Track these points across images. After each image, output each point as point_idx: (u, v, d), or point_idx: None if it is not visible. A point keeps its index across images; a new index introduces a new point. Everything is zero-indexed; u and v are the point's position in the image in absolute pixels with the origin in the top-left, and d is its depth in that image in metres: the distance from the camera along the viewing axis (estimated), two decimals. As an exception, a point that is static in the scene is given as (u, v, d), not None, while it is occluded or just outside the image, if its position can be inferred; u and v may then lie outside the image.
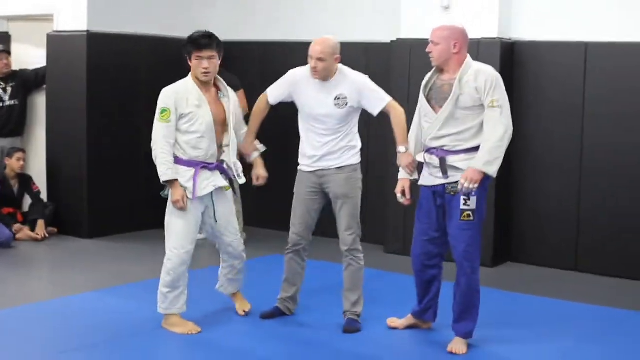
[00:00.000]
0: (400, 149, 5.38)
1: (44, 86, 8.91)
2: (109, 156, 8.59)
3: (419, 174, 5.38)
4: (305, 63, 5.67)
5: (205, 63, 5.37)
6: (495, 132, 5.00)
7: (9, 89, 8.89)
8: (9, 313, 5.94)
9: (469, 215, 5.10)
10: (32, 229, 8.33)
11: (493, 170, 5.02)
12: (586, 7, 7.38)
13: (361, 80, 5.56)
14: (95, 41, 8.38)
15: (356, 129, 5.65)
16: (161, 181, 5.50)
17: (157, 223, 8.92)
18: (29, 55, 9.19)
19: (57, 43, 8.58)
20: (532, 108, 7.57)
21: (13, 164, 8.47)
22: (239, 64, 8.60)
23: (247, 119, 5.96)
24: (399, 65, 7.79)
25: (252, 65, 8.96)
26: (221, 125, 5.53)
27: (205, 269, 6.90)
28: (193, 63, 5.41)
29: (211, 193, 5.49)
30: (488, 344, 5.35)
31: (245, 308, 5.95)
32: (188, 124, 5.41)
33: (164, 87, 5.05)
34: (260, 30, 9.07)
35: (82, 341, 5.36)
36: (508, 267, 7.67)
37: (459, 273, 5.18)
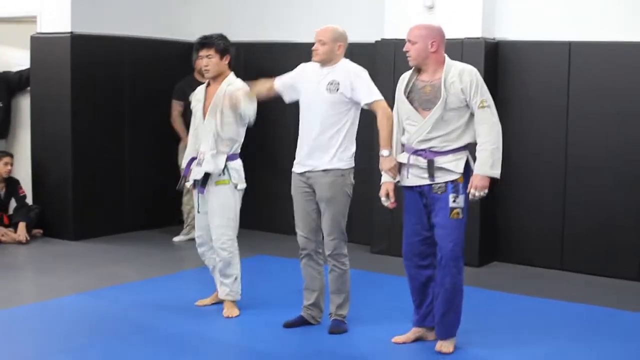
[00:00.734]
0: (384, 152, 5.32)
1: (28, 88, 8.87)
2: (94, 158, 8.56)
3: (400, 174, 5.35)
4: (292, 63, 5.69)
5: (204, 61, 5.93)
6: (491, 134, 5.01)
7: None
8: (-6, 317, 5.92)
9: (458, 213, 5.07)
10: (16, 232, 8.30)
11: (498, 173, 5.04)
12: (569, 6, 7.42)
13: (357, 70, 5.52)
14: (79, 43, 8.35)
15: (351, 130, 5.55)
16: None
17: (142, 224, 8.98)
18: (12, 57, 9.15)
19: (40, 45, 8.55)
20: (516, 107, 7.59)
21: (0, 168, 8.43)
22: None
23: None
24: (383, 65, 7.79)
25: (237, 66, 8.89)
26: None
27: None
28: (197, 63, 6.09)
29: (207, 186, 5.84)
30: (474, 345, 5.35)
31: (231, 314, 5.94)
32: (194, 118, 6.03)
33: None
34: (243, 32, 9.05)
35: (67, 344, 5.34)
36: (494, 266, 7.69)
37: (444, 273, 5.12)
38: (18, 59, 9.03)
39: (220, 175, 5.83)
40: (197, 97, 6.05)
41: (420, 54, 5.11)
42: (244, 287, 6.07)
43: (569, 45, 7.37)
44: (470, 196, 5.03)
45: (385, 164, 5.33)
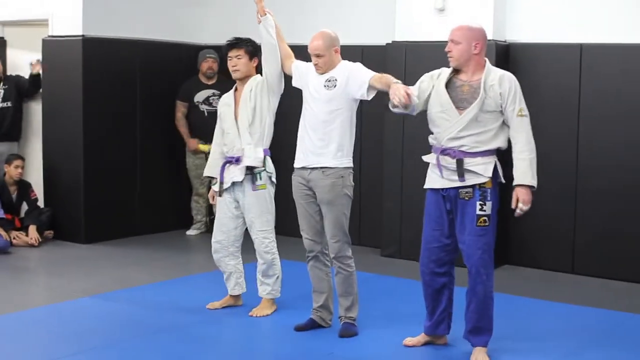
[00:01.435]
0: (394, 81, 5.19)
1: (40, 91, 8.90)
2: (105, 161, 8.58)
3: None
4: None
5: (234, 61, 5.98)
6: (529, 144, 5.02)
7: (2, 91, 8.88)
8: (6, 319, 5.93)
9: (485, 221, 5.01)
10: (27, 235, 8.32)
11: (536, 183, 5.05)
12: (581, 8, 7.39)
13: (352, 65, 5.53)
14: (91, 46, 8.37)
15: (350, 129, 5.52)
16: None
17: (153, 228, 9.00)
18: (24, 60, 9.18)
19: (52, 48, 8.57)
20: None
21: (11, 171, 8.46)
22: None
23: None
24: (394, 68, 7.75)
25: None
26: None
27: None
28: (228, 64, 6.04)
29: (243, 189, 5.89)
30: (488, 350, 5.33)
31: (265, 313, 6.00)
32: (221, 122, 6.08)
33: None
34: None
35: (79, 346, 5.35)
36: (505, 270, 7.66)
37: (476, 281, 5.06)
38: (30, 62, 9.06)
39: (258, 179, 5.88)
40: (225, 102, 6.07)
41: (463, 54, 5.05)
42: (252, 290, 6.09)
43: (580, 48, 7.34)
44: (518, 211, 5.01)
45: (398, 88, 5.08)
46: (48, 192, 8.77)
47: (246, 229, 6.07)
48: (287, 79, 5.86)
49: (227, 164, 5.94)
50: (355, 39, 8.35)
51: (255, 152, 5.87)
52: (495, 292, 5.46)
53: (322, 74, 5.52)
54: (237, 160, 5.89)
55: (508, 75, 5.08)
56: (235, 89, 6.08)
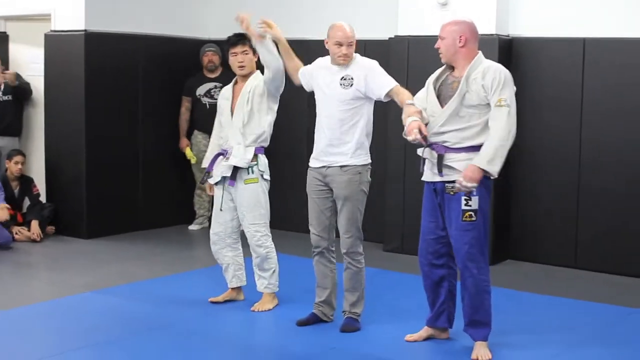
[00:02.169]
0: (408, 101, 5.17)
1: (32, 95, 9.01)
2: (108, 156, 8.58)
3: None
4: (304, 61, 5.68)
5: (240, 57, 5.94)
6: (501, 131, 4.85)
7: (2, 85, 8.88)
8: (8, 314, 5.93)
9: (470, 216, 4.98)
10: (30, 230, 8.33)
11: (495, 169, 4.85)
12: (584, 3, 7.37)
13: (369, 64, 5.50)
14: (93, 40, 8.36)
15: (367, 126, 5.51)
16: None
17: (155, 223, 8.99)
18: (26, 55, 9.18)
19: (54, 43, 8.56)
20: (530, 104, 7.55)
21: (12, 167, 8.46)
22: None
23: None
24: (396, 62, 7.77)
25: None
26: None
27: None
28: (230, 60, 6.00)
29: (235, 182, 5.91)
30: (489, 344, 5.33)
31: (266, 307, 6.01)
32: (219, 114, 6.10)
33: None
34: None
35: (81, 341, 5.36)
36: (507, 264, 7.66)
37: (465, 275, 5.05)
38: (32, 57, 9.07)
39: (249, 173, 5.88)
40: (224, 95, 6.08)
41: (449, 49, 5.04)
42: (253, 284, 6.09)
43: (583, 42, 7.32)
44: (457, 184, 4.87)
45: (409, 109, 5.10)
46: (50, 187, 8.77)
47: None
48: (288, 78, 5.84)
49: (220, 156, 5.98)
50: (358, 33, 8.25)
51: (244, 153, 5.86)
52: (497, 286, 5.47)
53: (345, 65, 5.46)
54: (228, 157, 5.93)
55: (494, 67, 4.99)
56: (235, 82, 6.08)
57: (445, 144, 5.01)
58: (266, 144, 5.98)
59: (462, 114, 4.97)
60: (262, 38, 5.67)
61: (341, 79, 5.44)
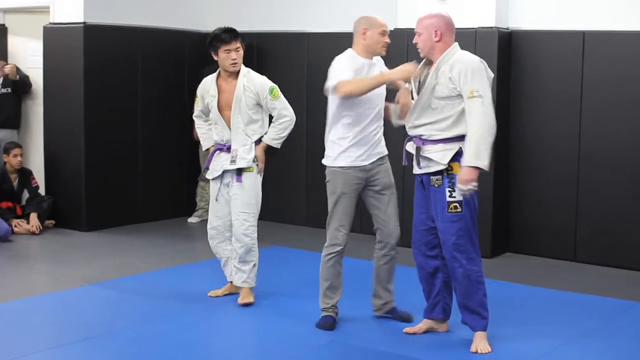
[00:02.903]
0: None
1: (32, 88, 8.99)
2: (107, 149, 8.57)
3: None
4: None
5: (233, 54, 5.82)
6: (479, 124, 4.84)
7: (1, 78, 8.87)
8: (7, 307, 5.93)
9: (455, 207, 4.98)
10: (29, 223, 8.33)
11: (484, 163, 4.84)
12: (584, -5, 7.37)
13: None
14: (92, 33, 8.35)
15: None
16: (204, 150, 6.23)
17: (154, 215, 8.99)
18: (25, 47, 9.17)
19: (53, 35, 8.55)
20: (529, 97, 7.56)
21: (11, 160, 8.45)
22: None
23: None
24: (396, 55, 7.72)
25: (250, 56, 8.93)
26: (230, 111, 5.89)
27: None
28: (221, 56, 5.84)
29: (231, 174, 5.89)
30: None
31: (247, 301, 5.94)
32: (210, 111, 5.97)
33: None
34: (258, 21, 9.05)
35: (80, 334, 5.36)
36: (507, 257, 7.66)
37: (453, 266, 5.05)
38: (31, 50, 9.05)
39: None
40: (208, 91, 5.96)
41: (425, 44, 5.05)
42: (259, 277, 6.07)
43: (583, 35, 7.31)
44: (458, 191, 4.90)
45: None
46: (49, 180, 8.77)
47: None
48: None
49: (218, 151, 5.95)
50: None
51: (249, 152, 5.85)
52: (496, 279, 5.48)
53: (376, 58, 5.45)
54: (229, 149, 5.89)
55: (464, 59, 4.98)
56: (218, 76, 5.97)
57: (422, 137, 5.05)
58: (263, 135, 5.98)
59: (434, 106, 4.99)
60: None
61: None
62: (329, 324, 5.47)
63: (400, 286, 5.74)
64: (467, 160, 4.85)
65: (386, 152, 5.52)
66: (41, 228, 8.34)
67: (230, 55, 5.81)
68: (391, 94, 5.47)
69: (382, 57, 5.52)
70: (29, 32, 9.09)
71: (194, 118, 6.21)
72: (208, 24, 9.29)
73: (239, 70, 5.89)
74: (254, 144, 5.88)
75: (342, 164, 5.39)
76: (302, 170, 8.84)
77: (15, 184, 8.56)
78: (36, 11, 8.89)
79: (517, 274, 7.04)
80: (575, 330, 5.55)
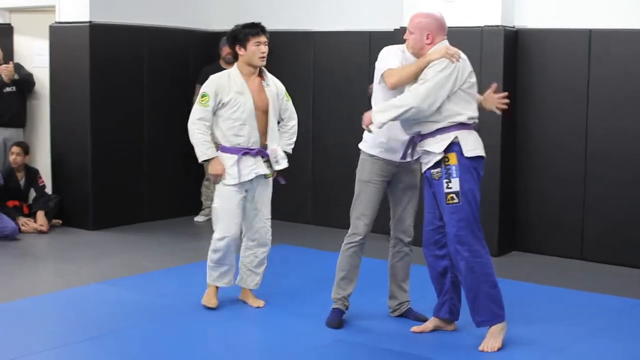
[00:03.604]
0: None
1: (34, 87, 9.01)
2: (113, 147, 8.58)
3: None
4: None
5: (263, 47, 5.67)
6: (405, 97, 4.98)
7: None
8: (14, 305, 5.94)
9: (452, 198, 5.01)
10: (36, 221, 8.34)
11: (378, 119, 5.00)
12: (590, -6, 7.36)
13: None
14: (98, 32, 8.36)
15: None
16: (199, 161, 5.81)
17: (161, 214, 9.00)
18: (31, 47, 9.17)
19: (59, 34, 8.56)
20: (536, 96, 7.54)
21: (10, 158, 8.45)
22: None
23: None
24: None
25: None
26: (263, 112, 5.72)
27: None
28: (250, 49, 5.65)
29: (258, 177, 5.72)
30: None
31: (260, 304, 5.94)
32: (230, 110, 5.65)
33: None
34: (262, 20, 8.91)
35: (88, 333, 5.36)
36: (514, 256, 7.65)
37: (457, 259, 5.05)
38: (37, 49, 9.06)
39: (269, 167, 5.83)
40: (235, 89, 5.65)
41: (416, 44, 5.14)
42: (268, 276, 6.07)
43: (589, 33, 7.30)
44: (363, 125, 5.12)
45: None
46: (56, 179, 8.78)
47: None
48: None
49: (244, 155, 5.66)
50: (364, 24, 8.33)
51: (282, 152, 5.84)
52: (503, 278, 5.44)
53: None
54: (260, 153, 5.70)
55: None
56: (244, 77, 5.71)
57: (420, 133, 5.10)
58: None
59: None
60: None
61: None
62: (336, 322, 5.45)
63: (416, 285, 5.72)
64: (375, 109, 5.07)
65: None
66: (48, 227, 8.35)
67: (260, 48, 5.65)
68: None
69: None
70: (34, 31, 9.09)
71: (195, 121, 5.72)
72: (214, 23, 9.32)
73: (261, 67, 5.76)
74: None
75: (374, 152, 5.39)
76: (308, 169, 8.83)
77: (21, 182, 8.57)
78: (42, 10, 8.89)
79: (525, 272, 7.04)
80: (582, 329, 5.54)
